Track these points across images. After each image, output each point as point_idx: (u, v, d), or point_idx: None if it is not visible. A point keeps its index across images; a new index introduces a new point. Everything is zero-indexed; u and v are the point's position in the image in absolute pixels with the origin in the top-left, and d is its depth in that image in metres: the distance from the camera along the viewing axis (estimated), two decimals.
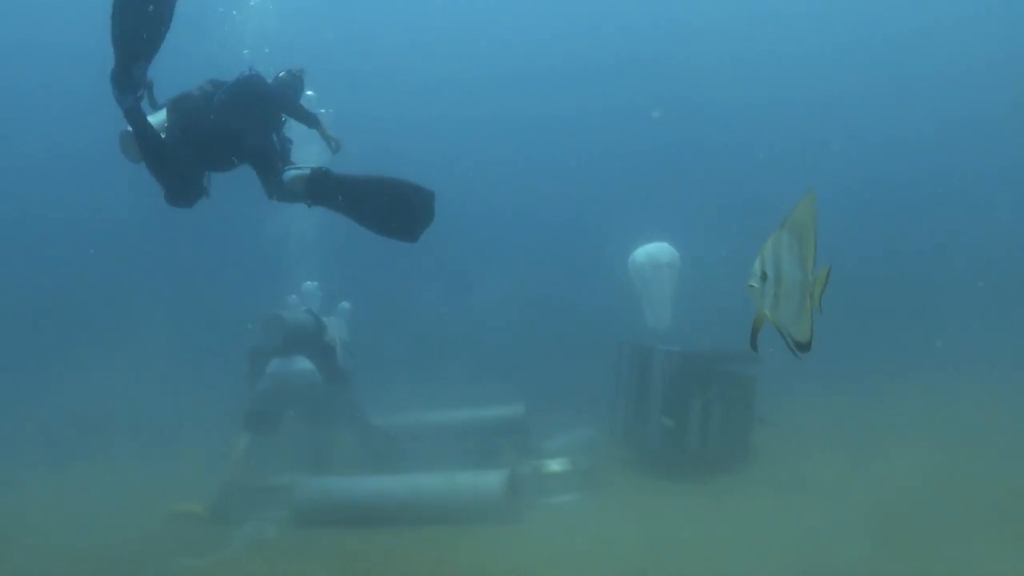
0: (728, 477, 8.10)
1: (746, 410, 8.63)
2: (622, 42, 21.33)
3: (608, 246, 10.96)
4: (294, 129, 6.44)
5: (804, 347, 2.87)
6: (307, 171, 5.85)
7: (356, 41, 19.95)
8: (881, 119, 20.48)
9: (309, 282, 10.81)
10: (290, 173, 5.87)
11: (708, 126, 19.42)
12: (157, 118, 5.84)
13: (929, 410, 9.71)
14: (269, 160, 6.09)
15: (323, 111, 6.86)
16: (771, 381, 8.78)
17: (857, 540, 6.05)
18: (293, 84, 6.39)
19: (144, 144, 5.64)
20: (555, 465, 8.29)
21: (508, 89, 21.28)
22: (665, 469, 8.44)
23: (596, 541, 6.67)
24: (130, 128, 5.64)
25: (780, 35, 21.26)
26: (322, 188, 5.86)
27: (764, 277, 2.83)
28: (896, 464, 7.63)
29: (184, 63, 6.27)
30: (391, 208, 5.90)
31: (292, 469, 8.52)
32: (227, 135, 5.92)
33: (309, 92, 8.83)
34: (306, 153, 6.49)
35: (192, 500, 8.23)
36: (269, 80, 6.24)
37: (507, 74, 21.44)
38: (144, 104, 5.64)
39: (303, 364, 9.13)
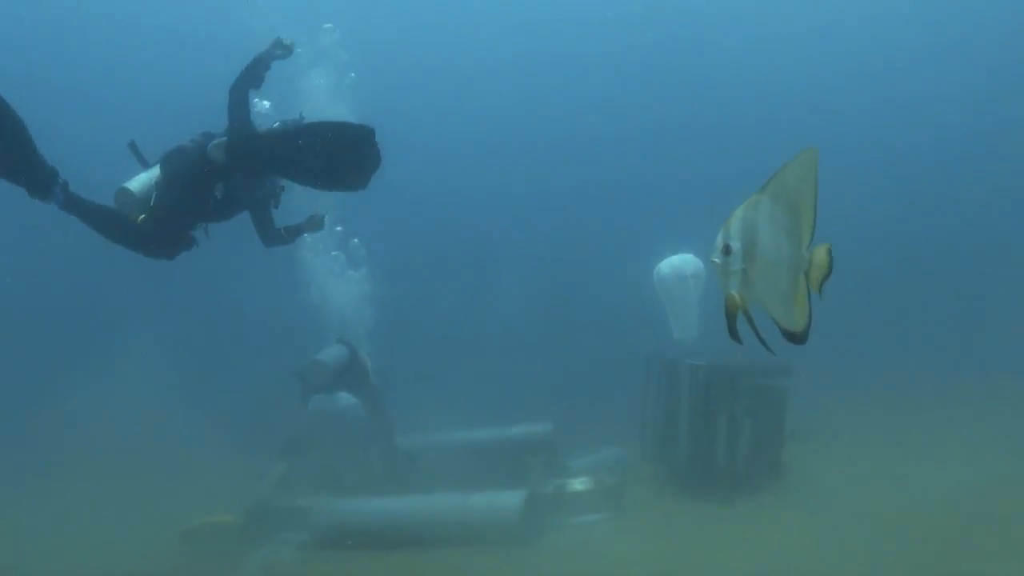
0: (757, 496, 7.77)
1: (776, 425, 8.31)
2: (651, 41, 21.08)
3: (633, 258, 10.72)
4: None
5: (798, 339, 2.40)
6: (225, 137, 5.56)
7: (371, 30, 19.85)
8: (934, 112, 20.00)
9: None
10: (211, 144, 5.55)
11: (735, 135, 19.12)
12: (149, 174, 5.75)
13: (972, 423, 9.31)
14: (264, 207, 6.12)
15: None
16: (803, 394, 8.51)
17: (894, 565, 5.75)
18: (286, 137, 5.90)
19: (95, 221, 5.58)
20: (578, 484, 8.00)
21: (536, 95, 21.12)
22: (693, 487, 8.13)
23: (616, 564, 6.44)
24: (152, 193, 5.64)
25: (824, 36, 20.92)
26: (245, 150, 5.57)
27: (727, 250, 2.34)
28: (936, 482, 7.29)
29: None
30: (329, 154, 5.44)
31: (311, 491, 8.38)
32: (224, 187, 5.79)
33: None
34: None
35: (220, 513, 8.14)
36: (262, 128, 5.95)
37: (534, 79, 21.25)
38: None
39: (345, 400, 9.01)
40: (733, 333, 2.35)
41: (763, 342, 2.34)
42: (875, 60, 20.84)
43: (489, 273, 16.12)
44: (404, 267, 14.61)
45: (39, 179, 5.26)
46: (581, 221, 18.42)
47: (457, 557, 6.80)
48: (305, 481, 8.66)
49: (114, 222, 5.63)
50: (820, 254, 2.41)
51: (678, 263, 9.17)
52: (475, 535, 7.02)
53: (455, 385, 11.52)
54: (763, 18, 20.96)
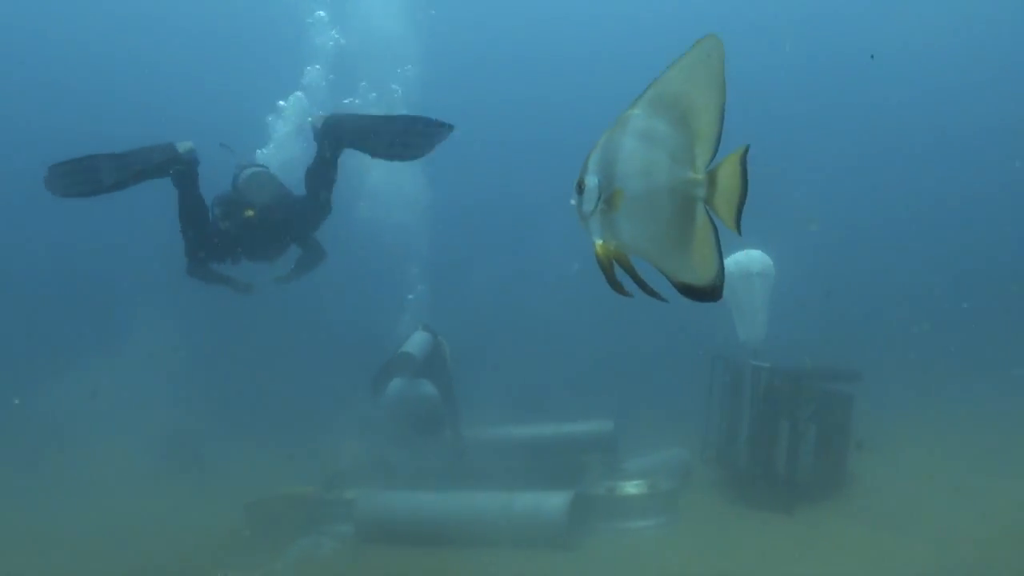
0: (819, 507, 7.37)
1: (841, 433, 7.88)
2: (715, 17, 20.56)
3: None
4: None
5: (702, 294, 1.82)
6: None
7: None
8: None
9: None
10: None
11: (801, 127, 18.48)
12: None
13: None
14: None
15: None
16: (871, 401, 8.09)
17: None
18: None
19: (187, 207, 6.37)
20: (631, 488, 7.67)
21: (598, 86, 20.75)
22: (753, 495, 7.77)
23: (663, 573, 6.15)
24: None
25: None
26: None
27: (580, 188, 1.81)
28: (1011, 501, 6.82)
29: None
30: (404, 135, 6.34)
31: (361, 481, 8.26)
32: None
33: None
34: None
35: (301, 484, 8.20)
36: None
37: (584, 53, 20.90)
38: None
39: (426, 388, 8.83)
40: (614, 286, 1.85)
41: (653, 294, 1.85)
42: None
43: (555, 267, 15.87)
44: (462, 259, 14.48)
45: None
46: None
47: (497, 558, 6.58)
48: (372, 465, 8.61)
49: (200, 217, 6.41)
50: (726, 172, 1.77)
51: (744, 260, 8.78)
52: (518, 536, 6.78)
53: (518, 380, 11.35)
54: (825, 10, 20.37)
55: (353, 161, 6.87)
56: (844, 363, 8.50)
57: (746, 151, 1.77)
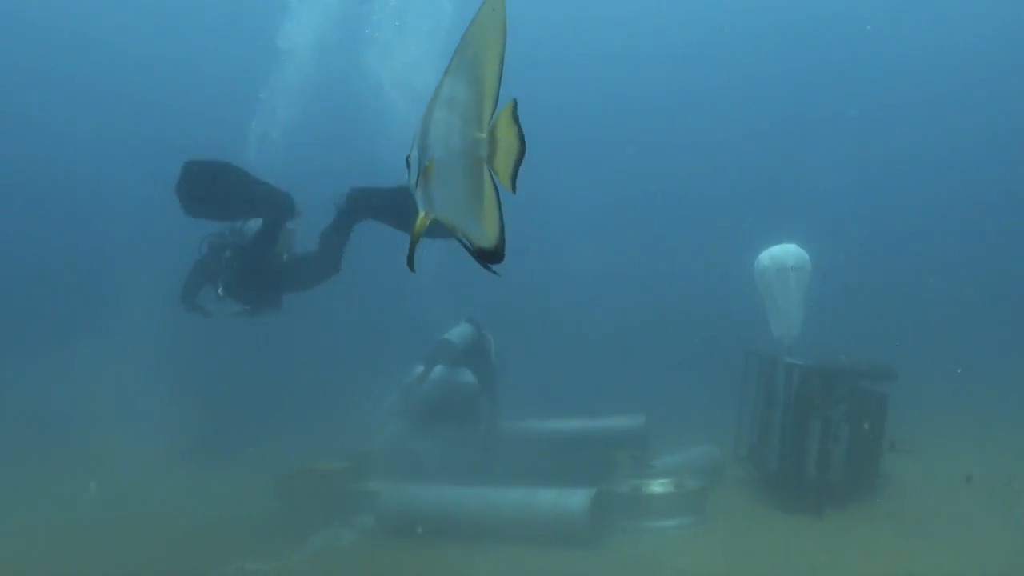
0: (850, 511, 7.18)
1: (875, 434, 7.65)
2: (763, 34, 20.26)
3: (736, 247, 10.20)
4: None
5: (490, 256, 1.77)
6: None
7: None
8: None
9: None
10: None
11: (843, 110, 18.11)
12: None
13: None
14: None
15: None
16: (907, 400, 7.84)
17: None
18: None
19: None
20: (656, 486, 7.51)
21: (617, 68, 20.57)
22: (782, 496, 7.59)
23: (683, 575, 5.99)
24: None
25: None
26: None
27: (408, 161, 1.79)
28: None
29: None
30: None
31: (384, 472, 8.22)
32: None
33: None
34: None
35: (325, 461, 8.25)
36: None
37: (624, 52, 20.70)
38: None
39: (466, 376, 8.96)
40: (409, 262, 1.89)
41: (486, 267, 1.80)
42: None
43: (591, 263, 15.78)
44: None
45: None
46: (683, 209, 17.85)
47: (518, 554, 6.51)
48: (398, 454, 8.54)
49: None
50: (500, 128, 1.70)
51: (779, 254, 8.59)
52: (540, 533, 6.70)
53: (548, 373, 11.28)
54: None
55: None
56: (879, 361, 8.28)
57: (515, 104, 1.70)
